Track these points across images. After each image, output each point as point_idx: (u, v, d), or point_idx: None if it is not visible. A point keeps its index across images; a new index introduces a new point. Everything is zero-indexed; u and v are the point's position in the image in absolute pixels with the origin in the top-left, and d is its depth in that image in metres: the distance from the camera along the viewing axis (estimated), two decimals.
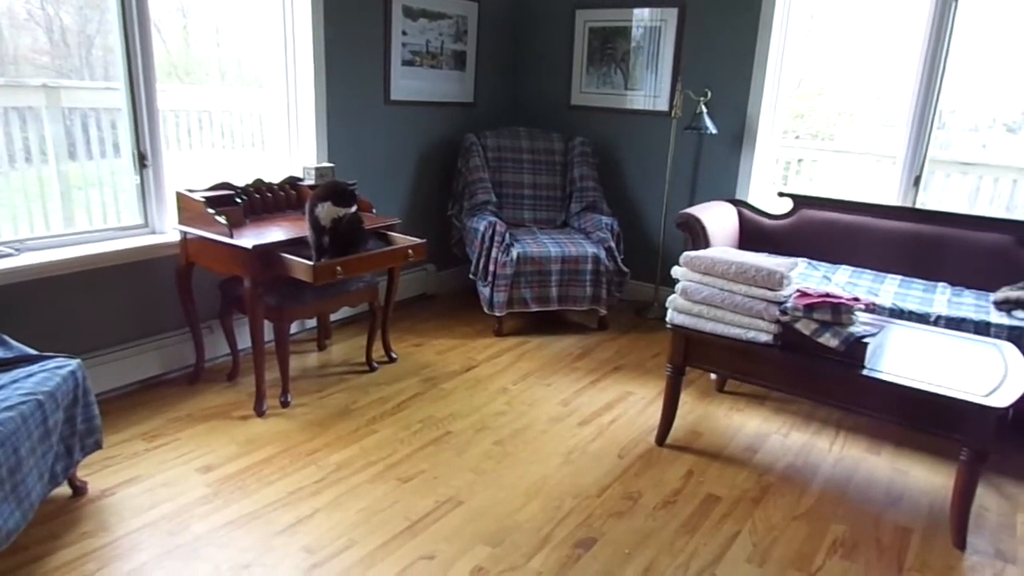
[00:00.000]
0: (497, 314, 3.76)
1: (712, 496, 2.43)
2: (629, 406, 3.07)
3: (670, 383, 2.70)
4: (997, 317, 2.84)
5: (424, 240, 3.05)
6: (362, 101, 3.73)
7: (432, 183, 4.29)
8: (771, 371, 2.48)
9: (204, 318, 3.10)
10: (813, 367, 2.37)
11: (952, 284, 3.30)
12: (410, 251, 2.97)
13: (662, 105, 4.22)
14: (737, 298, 2.46)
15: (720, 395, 3.23)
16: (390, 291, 3.33)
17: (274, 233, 2.82)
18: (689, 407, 3.08)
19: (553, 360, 3.54)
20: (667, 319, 2.63)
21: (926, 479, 2.60)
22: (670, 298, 2.62)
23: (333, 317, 3.66)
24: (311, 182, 3.29)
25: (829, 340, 2.30)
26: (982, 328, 2.79)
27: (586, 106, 4.52)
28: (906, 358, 2.37)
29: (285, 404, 2.89)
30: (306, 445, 2.61)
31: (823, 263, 3.62)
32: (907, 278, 3.40)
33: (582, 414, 2.98)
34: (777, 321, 2.39)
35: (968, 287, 3.28)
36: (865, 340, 2.28)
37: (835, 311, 2.31)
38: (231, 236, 2.67)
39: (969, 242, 3.35)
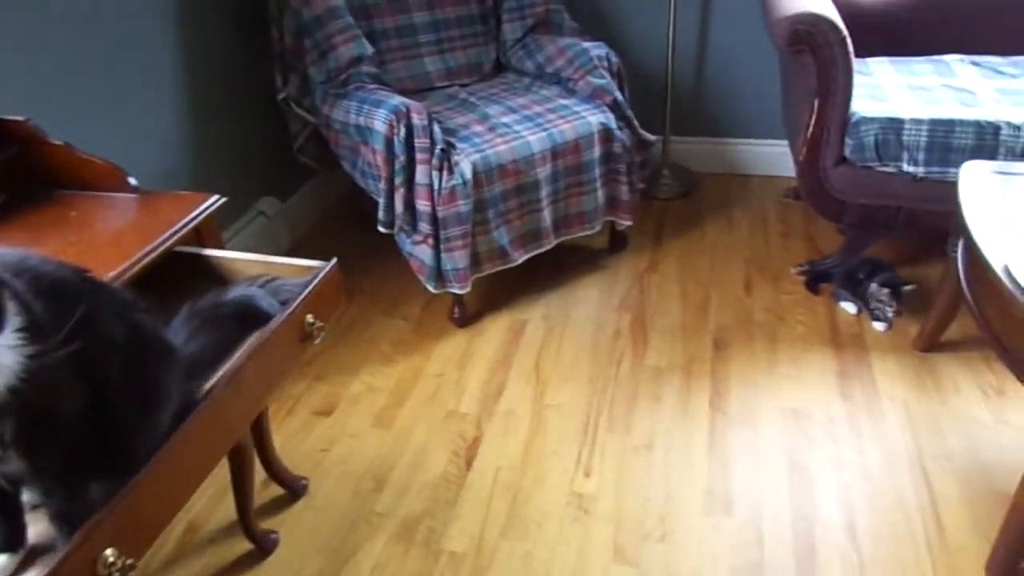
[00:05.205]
0: (456, 291, 1.89)
1: None
2: (853, 469, 1.51)
3: None
4: None
5: (334, 260, 1.05)
6: None
7: (220, 48, 2.02)
8: None
9: None
10: None
11: None
12: (309, 318, 0.98)
13: None
14: None
15: (937, 359, 1.75)
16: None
17: None
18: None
19: (593, 362, 1.82)
20: None
21: None
22: None
23: None
24: None
25: None
26: None
27: None
28: None
29: None
30: None
31: (987, 58, 2.07)
32: None
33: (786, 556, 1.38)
34: None
35: None
36: None
37: None
38: None
39: None
